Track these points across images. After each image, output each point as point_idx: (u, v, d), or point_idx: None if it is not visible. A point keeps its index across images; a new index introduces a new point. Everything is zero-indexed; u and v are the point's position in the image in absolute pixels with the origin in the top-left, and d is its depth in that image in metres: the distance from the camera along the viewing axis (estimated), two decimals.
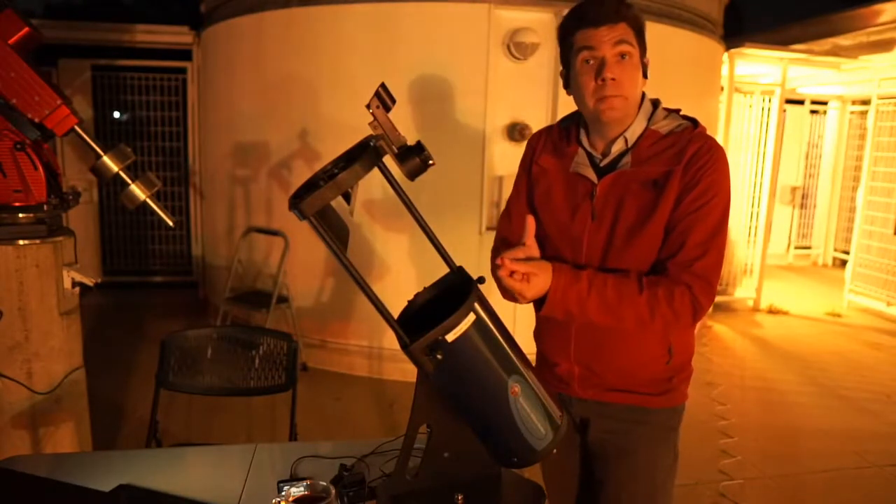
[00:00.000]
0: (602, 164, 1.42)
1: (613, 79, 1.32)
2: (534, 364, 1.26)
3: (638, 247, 1.36)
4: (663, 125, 1.40)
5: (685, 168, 1.33)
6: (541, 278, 1.25)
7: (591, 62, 1.34)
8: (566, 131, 1.50)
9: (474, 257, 3.99)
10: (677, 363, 1.48)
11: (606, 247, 1.39)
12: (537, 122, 4.01)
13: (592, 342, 1.46)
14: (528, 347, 1.26)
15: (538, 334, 1.61)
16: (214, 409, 3.51)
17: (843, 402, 4.19)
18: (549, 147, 1.52)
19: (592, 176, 1.41)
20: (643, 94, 1.42)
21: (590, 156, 1.44)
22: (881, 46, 5.96)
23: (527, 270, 1.24)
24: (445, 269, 1.23)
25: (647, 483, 1.52)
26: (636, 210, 1.35)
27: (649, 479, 1.52)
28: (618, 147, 1.41)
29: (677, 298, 1.30)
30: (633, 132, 1.39)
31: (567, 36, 1.38)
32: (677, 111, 1.45)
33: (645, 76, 1.39)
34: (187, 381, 2.15)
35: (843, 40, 6.20)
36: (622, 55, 1.32)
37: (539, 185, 1.51)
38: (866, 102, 7.21)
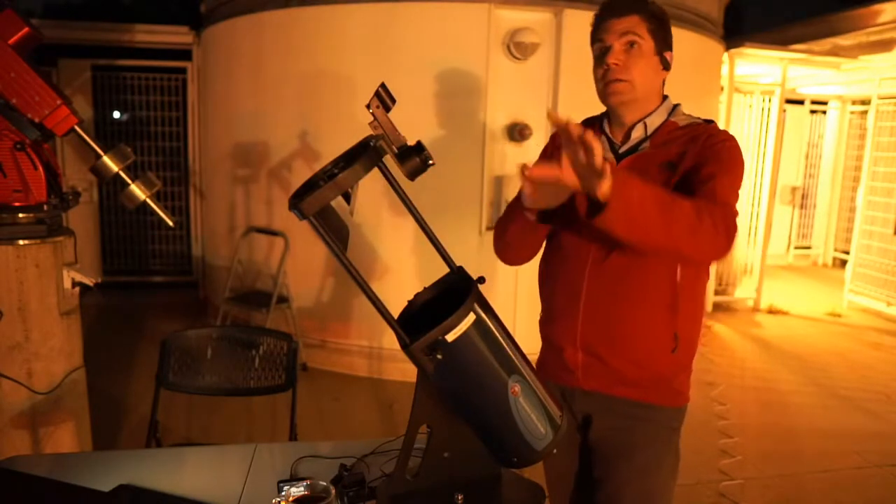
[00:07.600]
0: (621, 151, 1.49)
1: (616, 64, 1.41)
2: (534, 363, 1.25)
3: None
4: (682, 119, 1.48)
5: (701, 148, 1.39)
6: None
7: (601, 51, 1.44)
8: (591, 124, 1.57)
9: (474, 257, 4.02)
10: (682, 357, 1.48)
11: None
12: (537, 122, 4.00)
13: (599, 325, 1.47)
14: (528, 347, 1.26)
15: (545, 318, 1.62)
16: (214, 409, 3.51)
17: (843, 402, 4.19)
18: None
19: (612, 158, 1.48)
20: (666, 97, 1.50)
21: (611, 143, 1.51)
22: (881, 46, 5.96)
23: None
24: (445, 269, 1.23)
25: (649, 482, 1.51)
26: None
27: (652, 478, 1.51)
28: (637, 134, 1.48)
29: (717, 213, 1.26)
30: (654, 122, 1.47)
31: (592, 32, 1.49)
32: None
33: (666, 68, 1.47)
34: (187, 381, 2.15)
35: (843, 40, 6.19)
36: (630, 44, 1.40)
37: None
38: (866, 102, 7.21)
